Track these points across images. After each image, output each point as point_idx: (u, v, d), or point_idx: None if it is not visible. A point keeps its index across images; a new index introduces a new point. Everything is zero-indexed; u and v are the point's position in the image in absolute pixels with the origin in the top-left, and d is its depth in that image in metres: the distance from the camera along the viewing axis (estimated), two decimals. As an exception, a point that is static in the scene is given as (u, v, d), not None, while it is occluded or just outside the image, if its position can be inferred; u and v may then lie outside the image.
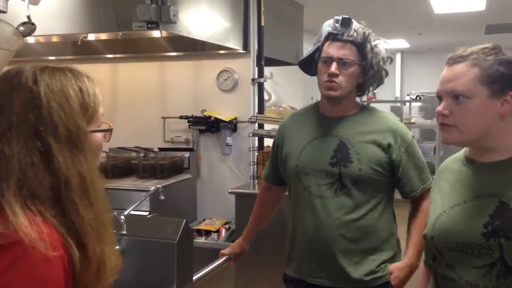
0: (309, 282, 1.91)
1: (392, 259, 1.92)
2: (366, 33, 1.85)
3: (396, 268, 1.86)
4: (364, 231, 1.86)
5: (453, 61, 1.31)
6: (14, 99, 0.91)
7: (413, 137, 1.94)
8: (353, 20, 1.84)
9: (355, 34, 1.82)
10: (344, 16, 1.83)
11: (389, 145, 1.86)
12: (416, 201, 1.94)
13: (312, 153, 1.89)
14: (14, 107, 0.90)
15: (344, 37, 1.82)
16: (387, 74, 1.94)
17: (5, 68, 1.00)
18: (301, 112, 2.09)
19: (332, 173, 1.84)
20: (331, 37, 1.85)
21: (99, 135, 1.02)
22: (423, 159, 1.95)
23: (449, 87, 1.29)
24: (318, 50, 1.89)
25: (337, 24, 1.83)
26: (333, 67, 1.82)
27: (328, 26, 1.91)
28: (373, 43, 1.85)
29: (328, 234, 1.84)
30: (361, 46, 1.83)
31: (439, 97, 1.32)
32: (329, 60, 1.84)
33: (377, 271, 1.87)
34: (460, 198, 1.34)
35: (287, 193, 2.09)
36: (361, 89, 1.94)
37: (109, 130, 1.05)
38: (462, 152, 1.42)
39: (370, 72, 1.86)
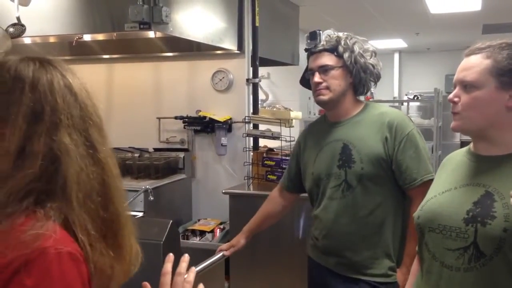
0: (324, 265, 2.06)
1: (398, 262, 1.99)
2: (337, 37, 2.01)
3: (402, 274, 1.94)
4: (371, 229, 1.96)
5: (470, 52, 1.37)
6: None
7: (413, 128, 1.97)
8: (319, 31, 2.04)
9: (325, 42, 2.02)
10: (311, 30, 2.04)
11: (386, 139, 1.94)
12: (413, 199, 1.94)
13: (323, 159, 2.04)
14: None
15: (317, 48, 2.02)
16: (376, 67, 2.04)
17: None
18: (314, 122, 2.26)
19: (340, 175, 1.98)
20: (308, 52, 2.07)
21: None
22: (424, 151, 1.95)
23: (461, 76, 1.36)
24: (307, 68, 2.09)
25: (308, 40, 2.06)
26: (316, 77, 2.01)
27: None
28: (347, 42, 2.00)
29: (338, 233, 1.99)
30: (335, 50, 2.00)
31: (455, 86, 1.38)
32: (311, 72, 2.05)
33: (385, 274, 1.96)
34: (452, 184, 1.41)
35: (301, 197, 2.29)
36: (356, 88, 2.05)
37: None
38: (468, 146, 1.48)
39: (354, 69, 1.99)
